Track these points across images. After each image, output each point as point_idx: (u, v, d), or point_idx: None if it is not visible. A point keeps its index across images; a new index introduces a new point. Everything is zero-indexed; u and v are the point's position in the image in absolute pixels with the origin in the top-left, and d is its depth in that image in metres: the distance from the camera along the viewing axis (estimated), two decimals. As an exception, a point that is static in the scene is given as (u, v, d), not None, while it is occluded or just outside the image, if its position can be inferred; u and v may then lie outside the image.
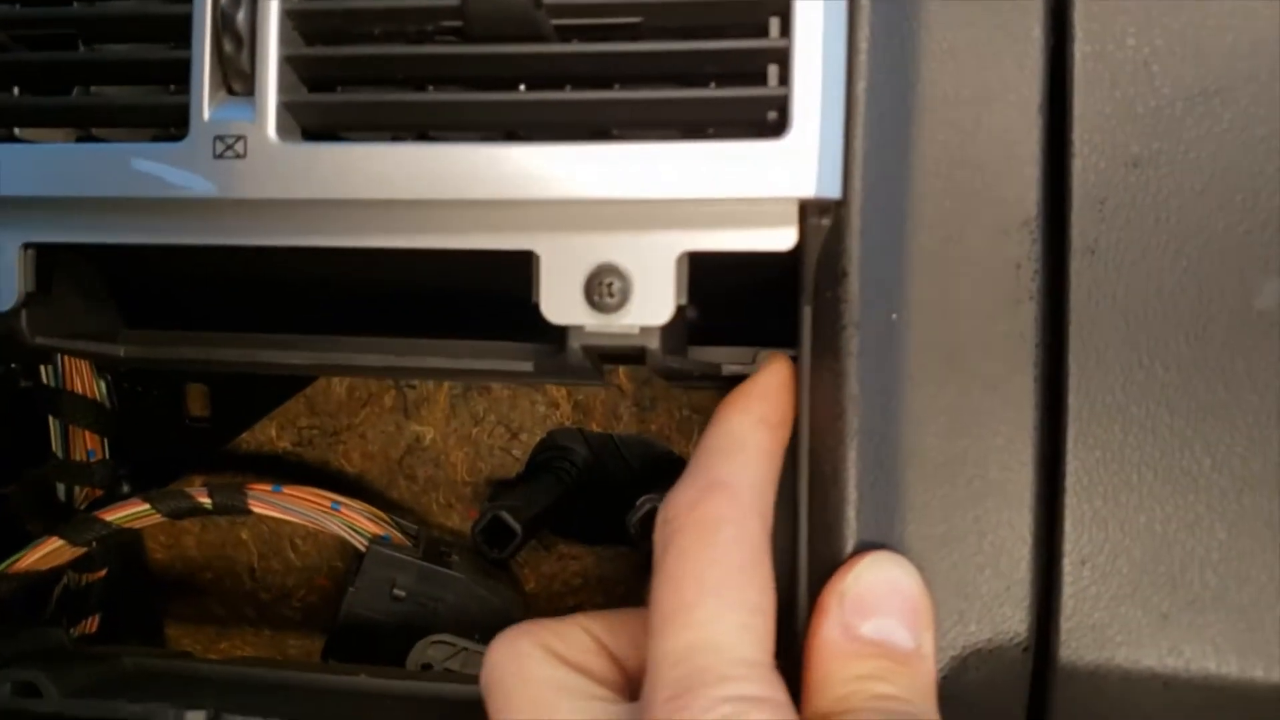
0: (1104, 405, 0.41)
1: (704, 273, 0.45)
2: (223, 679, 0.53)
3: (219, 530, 0.73)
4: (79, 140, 0.49)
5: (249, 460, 0.71)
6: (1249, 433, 0.41)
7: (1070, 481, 0.42)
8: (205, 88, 0.44)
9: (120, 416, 0.68)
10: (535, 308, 0.45)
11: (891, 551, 0.41)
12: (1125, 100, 0.41)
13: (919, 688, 0.39)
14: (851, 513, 0.42)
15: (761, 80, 0.43)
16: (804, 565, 0.43)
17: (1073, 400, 0.42)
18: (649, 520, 0.62)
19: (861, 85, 0.41)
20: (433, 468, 0.70)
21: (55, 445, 0.66)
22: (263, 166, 0.43)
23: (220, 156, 0.43)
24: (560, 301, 0.44)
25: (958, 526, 0.42)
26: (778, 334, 0.53)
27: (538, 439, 0.69)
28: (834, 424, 0.42)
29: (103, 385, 0.66)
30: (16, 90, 0.48)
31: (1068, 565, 0.42)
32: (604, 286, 0.44)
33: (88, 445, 0.66)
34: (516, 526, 0.62)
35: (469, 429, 0.69)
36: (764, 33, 0.42)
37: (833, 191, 0.41)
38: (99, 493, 0.67)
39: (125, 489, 0.70)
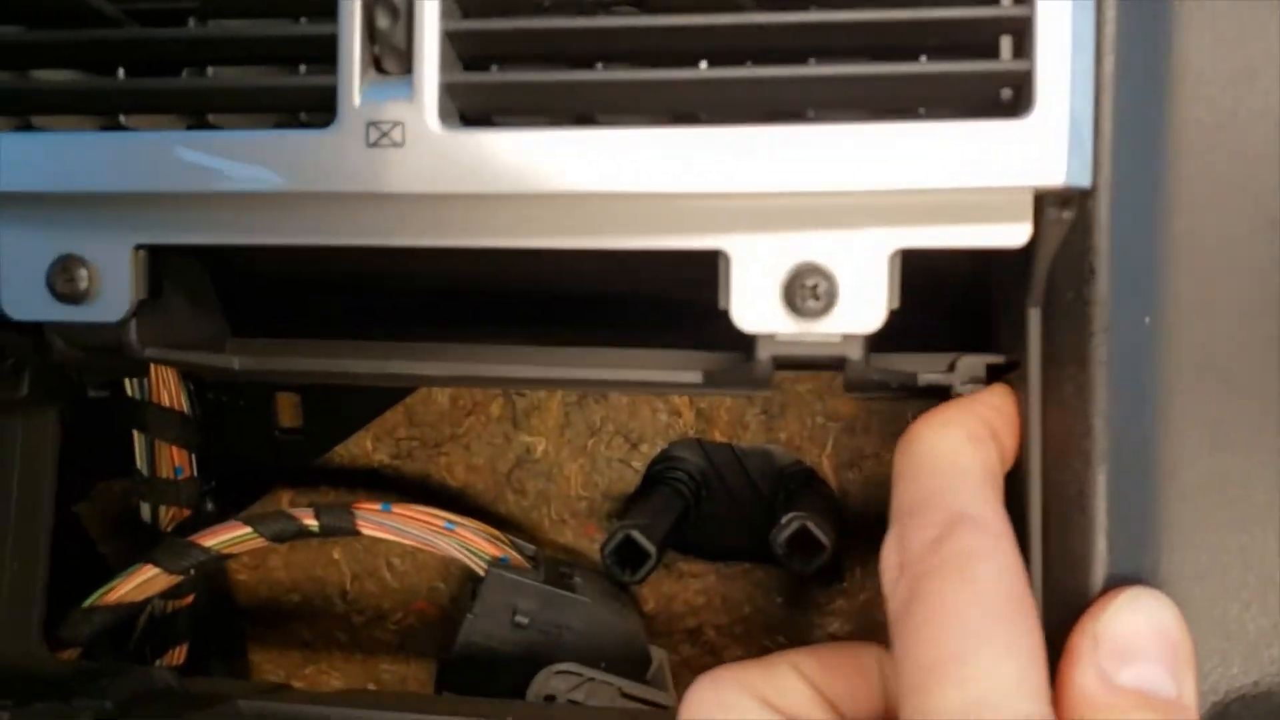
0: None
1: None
2: (347, 722, 0.48)
3: (308, 550, 0.68)
4: (190, 129, 0.44)
5: (343, 474, 0.66)
6: None
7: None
8: (356, 66, 0.38)
9: (205, 427, 0.63)
10: (712, 311, 0.40)
11: (1149, 587, 0.36)
12: None
13: None
14: (1102, 542, 0.37)
15: (986, 54, 0.38)
16: (1039, 603, 0.38)
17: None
18: (797, 539, 0.57)
19: (1110, 60, 0.36)
20: (544, 481, 0.65)
21: (140, 461, 0.61)
22: (424, 156, 0.38)
23: (375, 145, 0.38)
24: (754, 306, 0.39)
25: (1220, 556, 0.37)
26: (968, 338, 0.48)
27: (659, 450, 0.64)
28: (1080, 441, 0.37)
29: (188, 395, 0.62)
30: (122, 72, 0.43)
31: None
32: (806, 289, 0.39)
33: (175, 461, 0.61)
34: (651, 548, 0.57)
35: (584, 440, 0.64)
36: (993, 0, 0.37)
37: (1082, 180, 0.36)
38: (186, 512, 0.62)
39: (209, 507, 0.65)
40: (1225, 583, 0.37)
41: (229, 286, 0.51)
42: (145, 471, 0.61)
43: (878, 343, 0.43)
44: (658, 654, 0.63)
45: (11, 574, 0.50)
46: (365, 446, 0.66)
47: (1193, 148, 0.37)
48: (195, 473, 0.62)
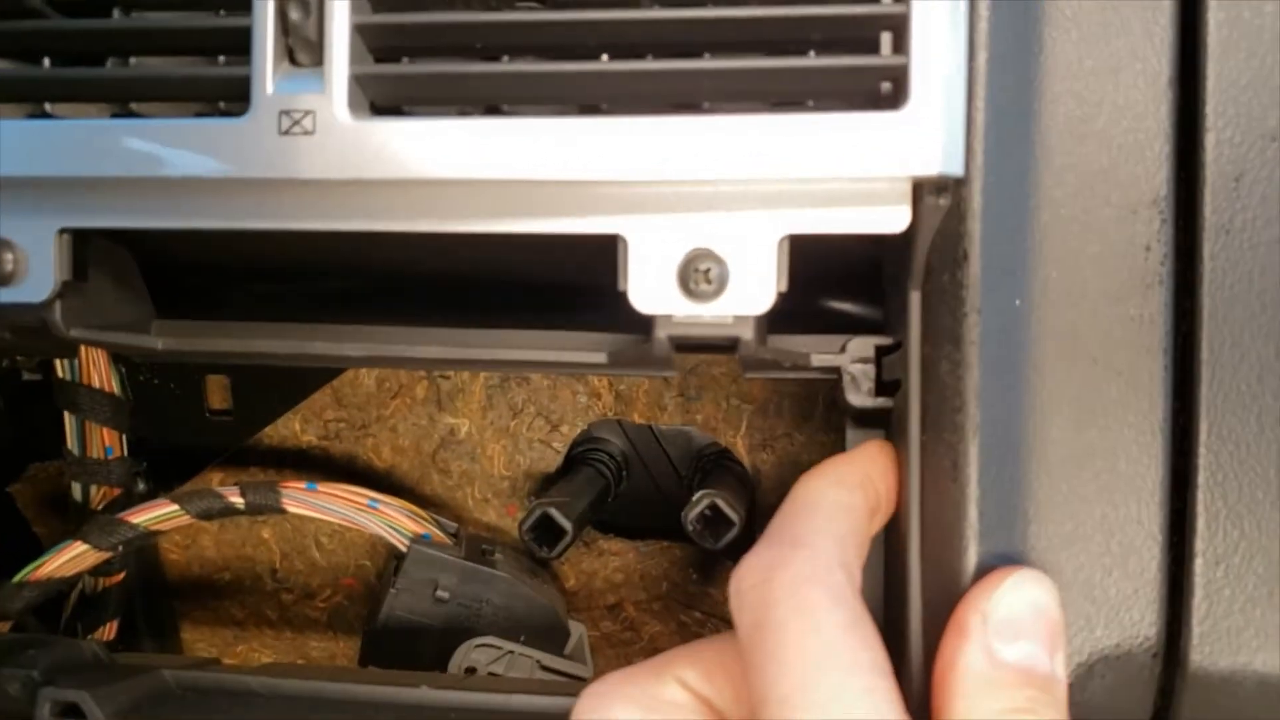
0: (1239, 396, 0.39)
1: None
2: (271, 692, 0.49)
3: (238, 529, 0.69)
4: (114, 117, 0.45)
5: (272, 455, 0.68)
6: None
7: (1202, 477, 0.39)
8: (269, 58, 0.40)
9: (136, 409, 0.64)
10: (616, 294, 0.42)
11: (1031, 569, 0.38)
12: (1263, 70, 0.39)
13: (1063, 717, 0.36)
14: (973, 511, 0.39)
15: (867, 49, 0.40)
16: (915, 575, 0.40)
17: (1205, 390, 0.39)
18: (708, 516, 0.59)
19: (983, 56, 0.39)
20: (468, 461, 0.67)
21: (70, 442, 0.62)
22: (333, 144, 0.40)
23: (286, 133, 0.40)
24: (650, 289, 0.41)
25: (1084, 525, 0.40)
26: (859, 320, 0.50)
27: (579, 431, 0.66)
28: (953, 417, 0.39)
29: (118, 376, 0.63)
30: (47, 61, 0.44)
31: (1200, 566, 0.39)
32: (699, 273, 0.41)
33: (105, 442, 0.62)
34: (567, 524, 0.59)
35: (507, 421, 0.66)
36: (874, -3, 0.39)
37: (955, 169, 0.38)
38: (116, 492, 0.63)
39: (141, 487, 0.66)
40: (1089, 550, 0.40)
41: (155, 273, 0.52)
42: (76, 452, 0.62)
43: (779, 325, 0.45)
44: (577, 629, 0.65)
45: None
46: (294, 428, 0.68)
47: (1061, 139, 0.39)
48: (125, 453, 0.63)
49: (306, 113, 0.40)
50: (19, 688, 0.47)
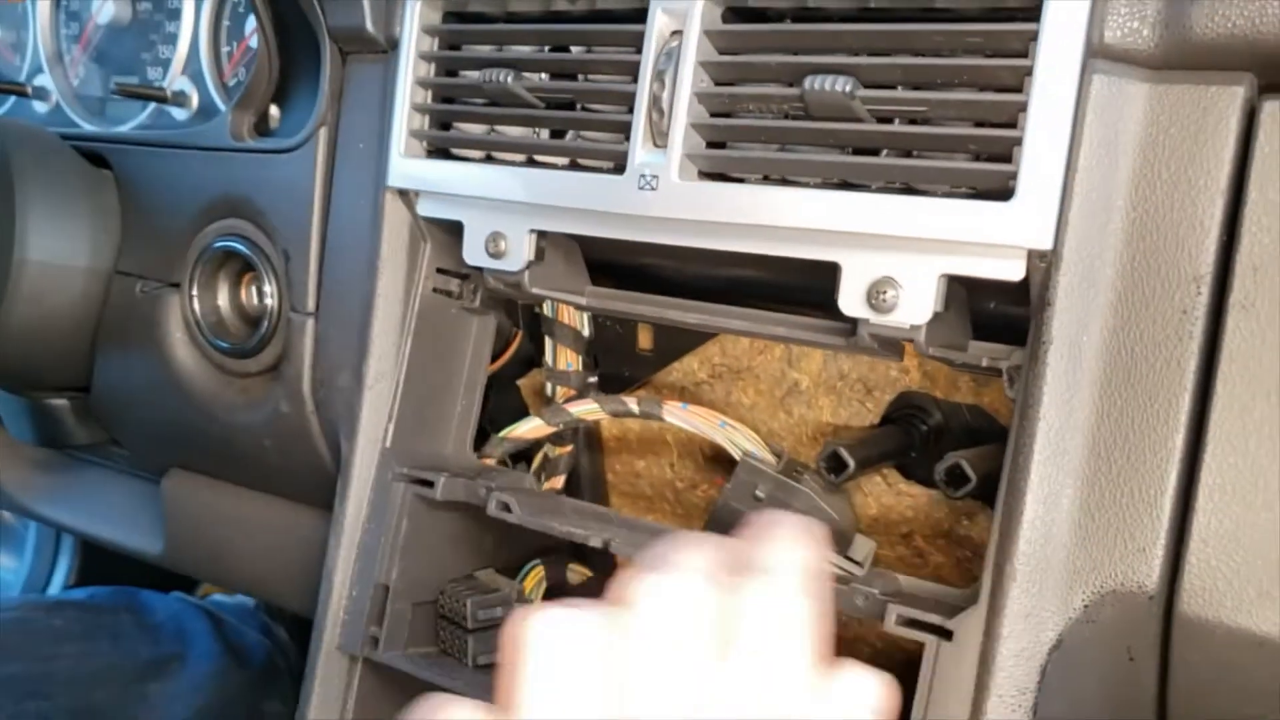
0: (1242, 421, 0.54)
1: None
2: (628, 525, 0.78)
3: (652, 433, 0.98)
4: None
5: (677, 383, 0.96)
6: (1353, 461, 0.52)
7: (1206, 476, 0.55)
8: (639, 141, 0.67)
9: (594, 342, 0.95)
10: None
11: None
12: (1286, 192, 0.53)
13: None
14: (1035, 475, 0.58)
15: (1002, 158, 0.59)
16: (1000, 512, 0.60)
17: (1216, 414, 0.54)
18: (953, 472, 0.79)
19: (1077, 170, 0.56)
20: (805, 408, 0.90)
21: (548, 357, 0.94)
22: (666, 197, 0.66)
23: (642, 189, 0.67)
24: (853, 300, 0.63)
25: (1111, 495, 0.57)
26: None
27: (888, 397, 0.87)
28: (1030, 410, 0.58)
29: (584, 320, 0.94)
30: (543, 134, 0.75)
31: (1195, 541, 0.55)
32: (882, 295, 0.62)
33: (568, 359, 0.94)
34: (850, 460, 0.81)
35: (835, 381, 0.89)
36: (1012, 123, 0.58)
37: (1045, 244, 0.57)
38: (572, 393, 0.95)
39: (591, 394, 0.97)
40: (1113, 513, 0.57)
41: (596, 264, 0.82)
42: (550, 363, 0.94)
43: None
44: (869, 544, 0.87)
45: (460, 411, 0.85)
46: (693, 366, 0.95)
47: (1132, 228, 0.56)
48: (581, 368, 0.95)
49: (655, 176, 0.66)
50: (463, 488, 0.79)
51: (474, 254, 0.77)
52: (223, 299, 0.92)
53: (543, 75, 0.74)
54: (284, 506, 0.95)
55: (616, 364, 0.99)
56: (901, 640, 0.63)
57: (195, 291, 0.91)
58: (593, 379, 0.98)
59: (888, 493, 0.89)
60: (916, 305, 0.62)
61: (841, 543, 0.86)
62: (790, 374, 0.91)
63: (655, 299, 0.76)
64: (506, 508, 0.76)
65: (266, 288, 0.87)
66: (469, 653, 0.81)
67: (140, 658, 1.42)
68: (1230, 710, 0.57)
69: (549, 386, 0.95)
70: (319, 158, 0.83)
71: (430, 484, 0.79)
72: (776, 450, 0.87)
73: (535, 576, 0.89)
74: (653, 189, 0.66)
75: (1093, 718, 0.60)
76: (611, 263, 0.83)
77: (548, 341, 0.94)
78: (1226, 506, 0.54)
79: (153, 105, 1.04)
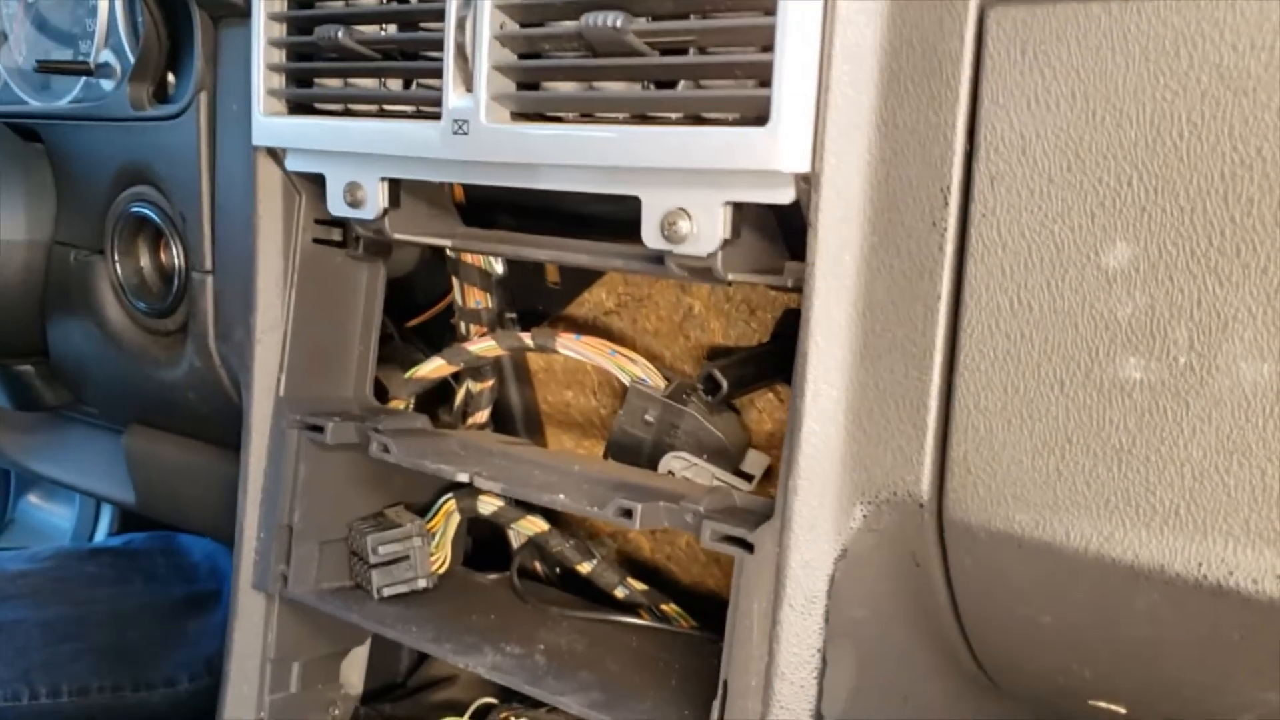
0: (990, 331, 0.54)
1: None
2: (541, 466, 0.81)
3: (575, 363, 1.01)
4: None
5: (589, 314, 0.98)
6: (1088, 361, 0.52)
7: (961, 386, 0.55)
8: (450, 87, 0.69)
9: (509, 279, 0.98)
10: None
11: None
12: (1023, 95, 0.53)
13: None
14: (809, 390, 0.59)
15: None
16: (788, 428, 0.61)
17: (965, 324, 0.55)
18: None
19: (832, 85, 0.57)
20: (699, 331, 0.92)
21: (457, 296, 0.97)
22: (476, 140, 0.68)
23: (456, 134, 0.69)
24: (651, 232, 0.65)
25: (879, 408, 0.58)
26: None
27: (772, 316, 0.88)
28: (803, 328, 0.59)
29: (491, 260, 0.96)
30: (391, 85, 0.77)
31: (954, 449, 0.56)
32: (674, 226, 0.63)
33: (476, 297, 0.97)
34: (723, 381, 0.83)
35: (723, 304, 0.90)
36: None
37: (804, 166, 0.57)
38: (484, 329, 0.98)
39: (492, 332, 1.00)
40: (885, 418, 0.58)
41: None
42: (460, 302, 0.97)
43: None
44: (762, 459, 0.89)
45: (358, 357, 0.89)
46: (601, 296, 0.97)
47: (882, 153, 0.56)
48: (491, 306, 0.97)
49: (466, 120, 0.68)
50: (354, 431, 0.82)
51: (336, 205, 0.80)
52: (145, 262, 0.97)
53: (388, 28, 0.76)
54: (223, 454, 1.00)
55: (530, 299, 1.01)
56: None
57: (116, 257, 0.96)
58: (511, 315, 1.01)
59: (780, 409, 0.90)
60: (706, 234, 0.63)
61: (733, 459, 0.88)
62: (685, 299, 0.93)
63: (513, 236, 0.78)
64: (385, 449, 0.79)
65: (174, 250, 0.92)
66: (374, 585, 0.85)
67: (175, 596, 1.51)
68: (1010, 612, 0.58)
69: (462, 325, 0.98)
70: (201, 122, 0.86)
71: (321, 429, 0.83)
72: (667, 375, 0.89)
73: (446, 510, 0.93)
74: (465, 133, 0.68)
75: (893, 620, 0.62)
76: (510, 200, 0.85)
77: (454, 281, 0.97)
78: (981, 414, 0.55)
79: (84, 78, 1.08)
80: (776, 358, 0.89)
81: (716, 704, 0.64)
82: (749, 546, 0.62)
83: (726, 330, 0.91)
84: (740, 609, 0.62)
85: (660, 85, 0.64)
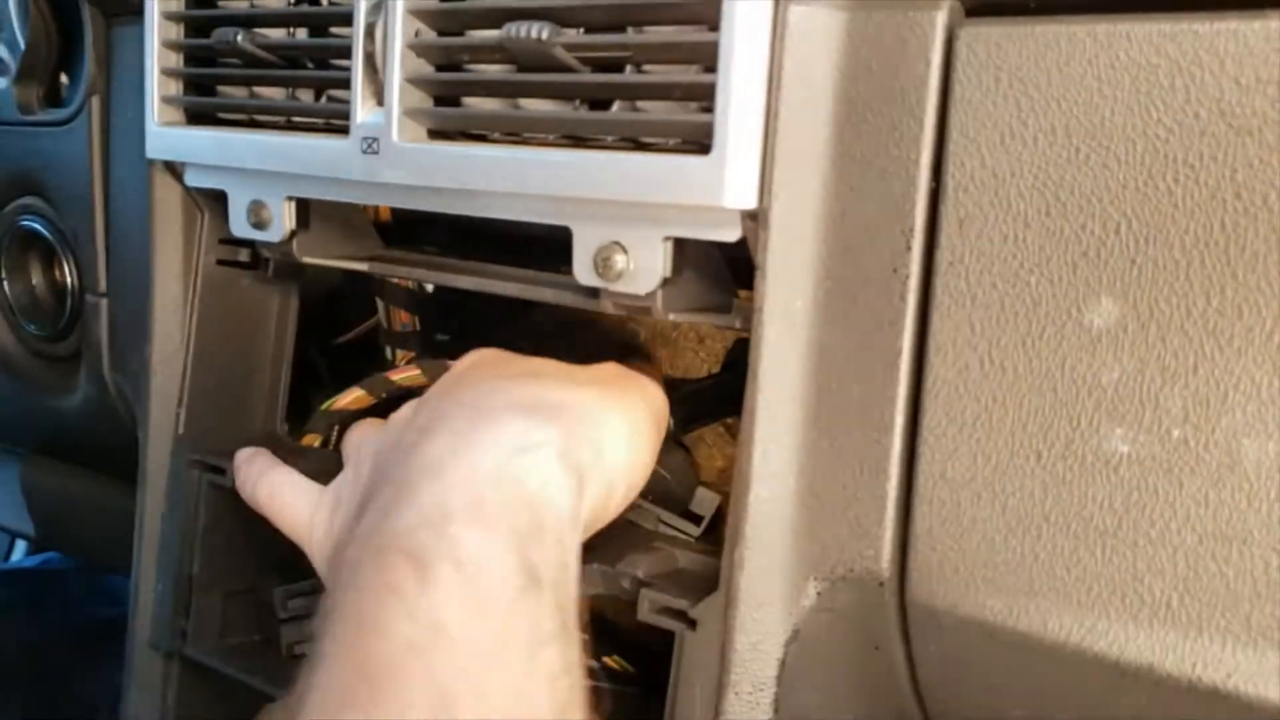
0: (958, 394, 0.48)
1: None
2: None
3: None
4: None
5: (526, 335, 0.91)
6: (1069, 431, 0.46)
7: (925, 453, 0.49)
8: (359, 101, 0.61)
9: (437, 299, 0.90)
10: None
11: None
12: (996, 128, 0.46)
13: None
14: (758, 451, 0.52)
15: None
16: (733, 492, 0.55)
17: (930, 384, 0.49)
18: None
19: (782, 110, 0.50)
20: (643, 361, 0.85)
21: (381, 318, 0.90)
22: (387, 160, 0.61)
23: (365, 152, 0.61)
24: (584, 268, 0.58)
25: (834, 474, 0.51)
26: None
27: (721, 346, 0.82)
28: (751, 382, 0.53)
29: (414, 281, 0.89)
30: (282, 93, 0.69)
31: (918, 524, 0.50)
32: (608, 261, 0.57)
33: (402, 320, 0.89)
34: (670, 420, 0.76)
35: (669, 331, 0.84)
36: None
37: (750, 204, 0.51)
38: (413, 354, 0.90)
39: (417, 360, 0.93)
40: (843, 486, 0.51)
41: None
42: (385, 324, 0.90)
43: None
44: (712, 499, 0.83)
45: (266, 389, 0.81)
46: (541, 318, 0.91)
47: (839, 189, 0.50)
48: (418, 328, 0.90)
49: (375, 139, 0.61)
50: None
51: (239, 225, 0.72)
52: (37, 279, 0.89)
53: (295, 31, 0.69)
54: (127, 488, 0.92)
55: (466, 318, 0.94)
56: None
57: (4, 274, 0.88)
58: (444, 336, 0.93)
59: (731, 444, 0.84)
60: (645, 271, 0.56)
61: (680, 500, 0.82)
62: (629, 325, 0.86)
63: (437, 261, 0.71)
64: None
65: (67, 268, 0.84)
66: (283, 642, 0.78)
67: (95, 619, 1.43)
68: (978, 704, 0.52)
69: (387, 350, 0.91)
70: (94, 129, 0.78)
71: (223, 470, 0.75)
72: (605, 409, 0.82)
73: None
74: (375, 152, 0.61)
75: (847, 713, 0.56)
76: (437, 219, 0.78)
77: (379, 302, 0.89)
78: (948, 486, 0.49)
79: (-19, 77, 0.99)
80: (727, 389, 0.82)
81: (653, 796, 0.57)
82: (691, 623, 0.56)
83: (674, 360, 0.85)
84: (681, 694, 0.56)
85: (594, 106, 0.58)
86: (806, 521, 0.52)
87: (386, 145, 0.61)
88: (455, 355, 0.88)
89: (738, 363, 0.84)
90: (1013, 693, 0.50)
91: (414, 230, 0.80)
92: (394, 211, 0.80)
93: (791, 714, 0.54)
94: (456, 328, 0.94)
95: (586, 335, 0.89)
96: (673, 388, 0.85)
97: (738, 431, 0.84)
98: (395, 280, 0.88)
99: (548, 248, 0.70)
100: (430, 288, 0.89)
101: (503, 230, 0.76)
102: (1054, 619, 0.47)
